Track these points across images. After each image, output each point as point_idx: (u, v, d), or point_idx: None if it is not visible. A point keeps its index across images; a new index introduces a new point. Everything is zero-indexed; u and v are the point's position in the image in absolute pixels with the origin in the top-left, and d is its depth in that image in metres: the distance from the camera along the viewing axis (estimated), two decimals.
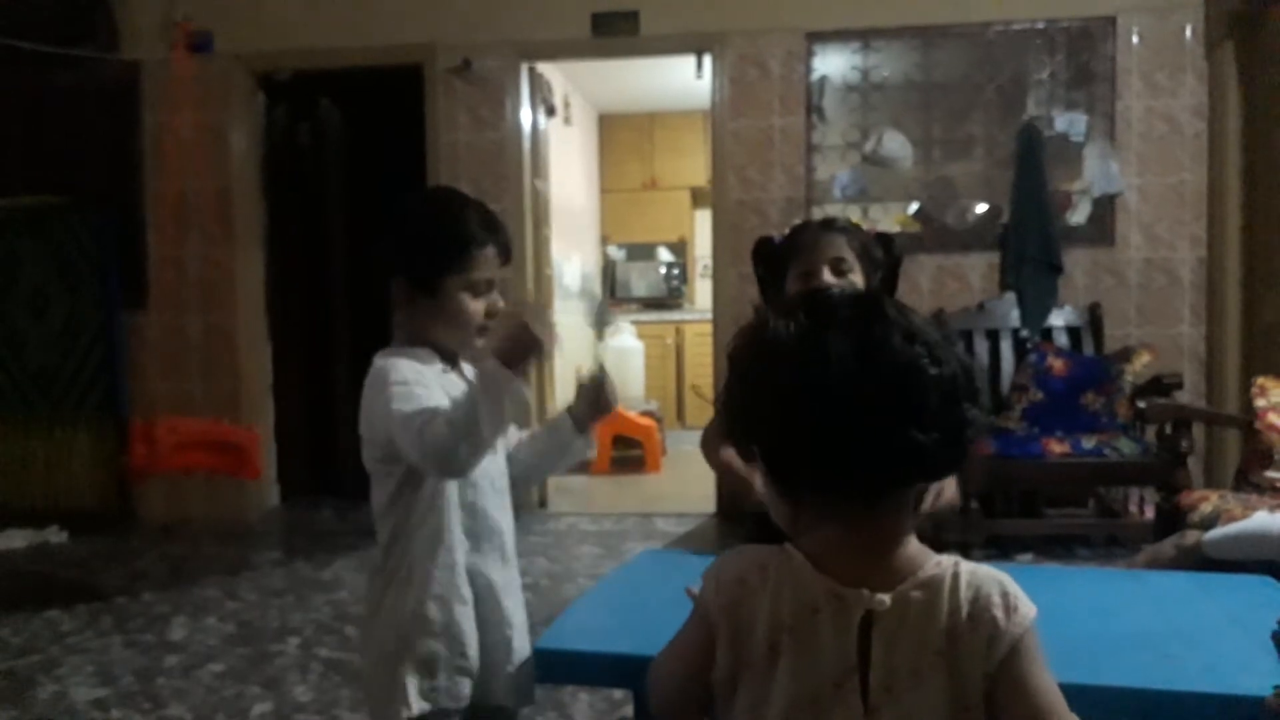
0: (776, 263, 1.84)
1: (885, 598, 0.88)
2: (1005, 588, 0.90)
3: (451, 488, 1.46)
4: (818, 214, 4.50)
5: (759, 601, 0.92)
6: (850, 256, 1.76)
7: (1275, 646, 1.21)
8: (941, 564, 0.91)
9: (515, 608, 1.52)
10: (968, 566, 0.92)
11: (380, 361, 1.48)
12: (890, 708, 0.88)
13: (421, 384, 1.41)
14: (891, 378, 0.86)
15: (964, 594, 0.89)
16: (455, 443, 1.31)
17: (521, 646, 1.51)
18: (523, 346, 1.35)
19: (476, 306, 1.49)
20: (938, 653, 0.88)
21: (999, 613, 0.88)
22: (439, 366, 1.49)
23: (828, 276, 1.73)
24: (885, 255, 1.82)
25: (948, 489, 1.72)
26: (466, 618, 1.45)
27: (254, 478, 4.51)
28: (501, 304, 1.52)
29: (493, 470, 1.53)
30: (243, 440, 4.15)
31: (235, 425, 4.57)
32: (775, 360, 0.91)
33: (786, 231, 1.90)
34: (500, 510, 1.53)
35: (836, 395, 0.86)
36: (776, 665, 0.91)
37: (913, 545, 0.92)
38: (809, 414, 0.87)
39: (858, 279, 1.77)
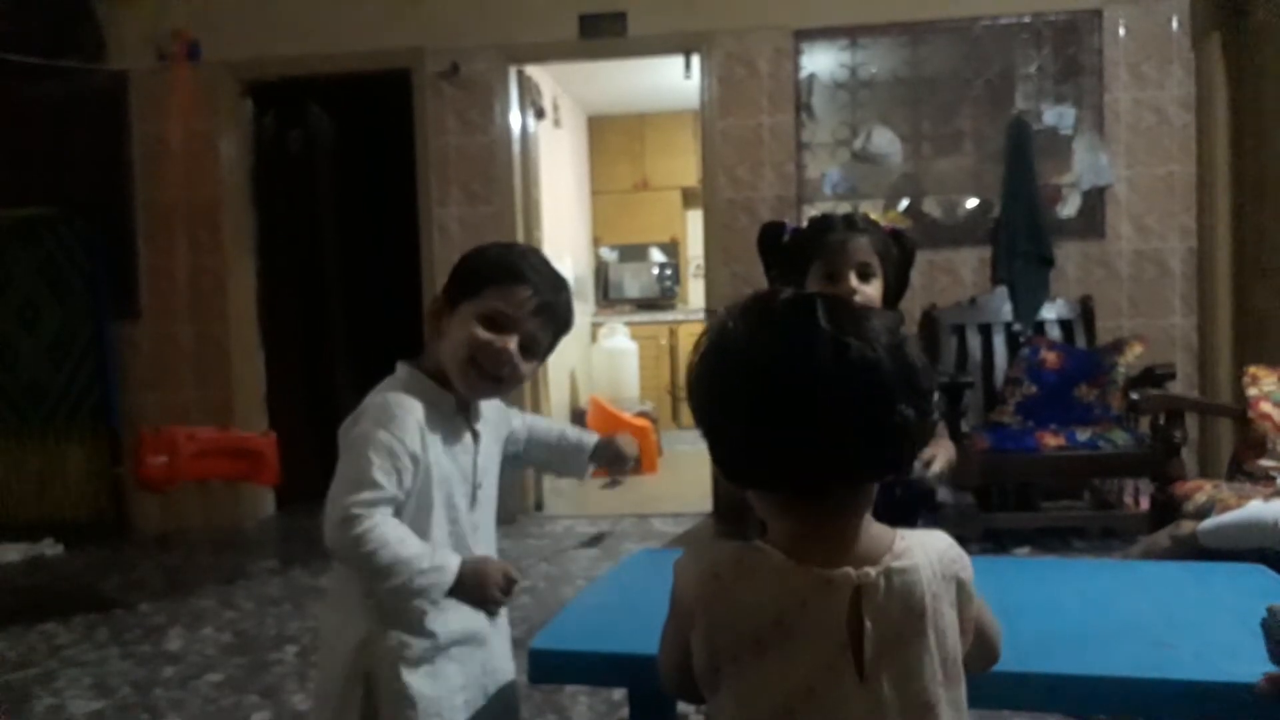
0: (791, 254, 1.79)
1: (871, 570, 0.93)
2: (950, 541, 1.00)
3: (439, 527, 1.43)
4: (809, 212, 4.51)
5: (735, 596, 0.95)
6: (875, 260, 1.73)
7: (1265, 633, 1.21)
8: (904, 536, 0.97)
9: (503, 640, 1.53)
10: (916, 533, 0.99)
11: (399, 377, 1.44)
12: (885, 670, 0.93)
13: (400, 458, 1.35)
14: (815, 384, 0.89)
15: (931, 555, 0.96)
16: (360, 563, 1.34)
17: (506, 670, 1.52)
18: (487, 599, 1.41)
19: (481, 334, 1.40)
20: (921, 615, 0.93)
21: (955, 567, 0.98)
22: (447, 413, 1.44)
23: (854, 281, 1.70)
24: (899, 252, 1.79)
25: (938, 460, 1.68)
26: (453, 669, 1.42)
27: (273, 484, 4.40)
28: (513, 348, 1.40)
29: (480, 518, 1.50)
30: (260, 446, 4.08)
31: (250, 432, 4.51)
32: (713, 361, 0.96)
33: (802, 224, 1.84)
34: (486, 547, 1.51)
35: (759, 402, 0.90)
36: (764, 659, 0.93)
37: (875, 526, 0.97)
38: (736, 417, 0.92)
39: (879, 283, 1.74)
